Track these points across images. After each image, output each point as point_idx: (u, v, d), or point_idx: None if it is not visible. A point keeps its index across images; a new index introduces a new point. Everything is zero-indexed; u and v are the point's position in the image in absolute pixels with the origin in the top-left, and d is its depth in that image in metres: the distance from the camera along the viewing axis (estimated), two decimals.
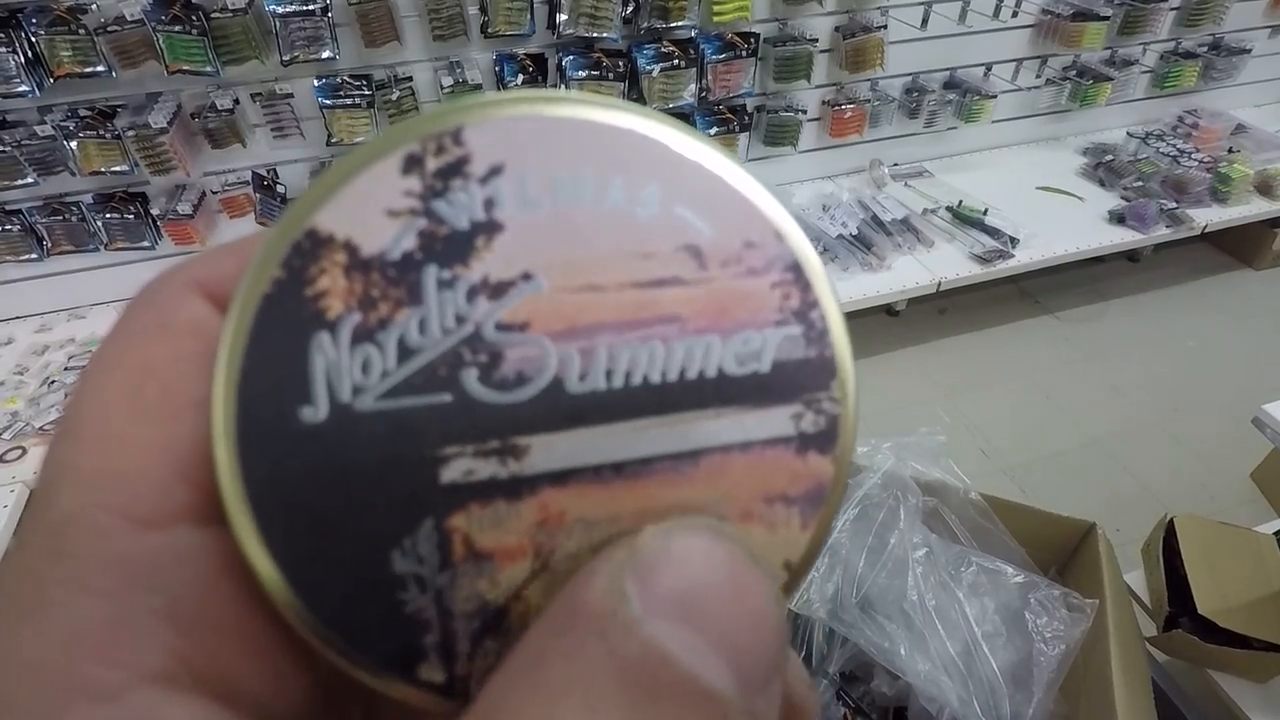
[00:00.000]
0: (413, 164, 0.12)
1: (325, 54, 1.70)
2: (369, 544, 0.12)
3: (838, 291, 0.13)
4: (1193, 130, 2.63)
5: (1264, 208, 2.35)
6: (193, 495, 0.11)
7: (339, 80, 1.78)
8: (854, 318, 2.17)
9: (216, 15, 1.60)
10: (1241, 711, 1.02)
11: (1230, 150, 2.52)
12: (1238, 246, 2.59)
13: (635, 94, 1.96)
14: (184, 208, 1.83)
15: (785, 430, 0.13)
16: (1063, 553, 1.12)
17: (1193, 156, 2.48)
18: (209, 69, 1.64)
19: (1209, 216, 2.30)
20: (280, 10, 1.62)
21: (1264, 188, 2.37)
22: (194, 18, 1.58)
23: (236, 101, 1.76)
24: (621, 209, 0.12)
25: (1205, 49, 2.60)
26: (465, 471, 0.12)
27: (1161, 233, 2.25)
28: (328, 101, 1.77)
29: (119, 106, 1.70)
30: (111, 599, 0.10)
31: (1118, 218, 2.27)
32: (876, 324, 2.33)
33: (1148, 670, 0.99)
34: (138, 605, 0.11)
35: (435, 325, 0.12)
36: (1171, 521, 1.14)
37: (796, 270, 0.13)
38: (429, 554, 0.12)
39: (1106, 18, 2.28)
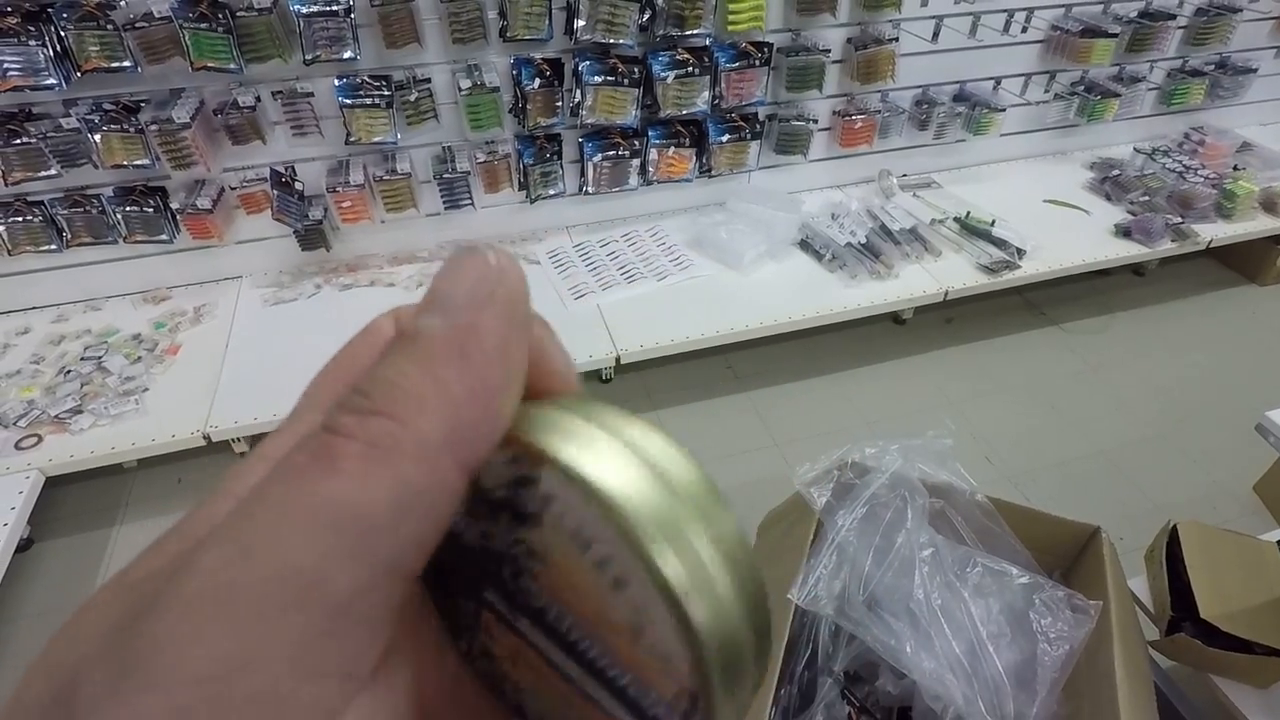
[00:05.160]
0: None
1: (347, 54, 1.72)
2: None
3: None
4: (1199, 147, 2.65)
5: (1269, 224, 2.37)
6: None
7: (359, 80, 1.81)
8: (861, 325, 2.19)
9: (242, 14, 1.63)
10: (1243, 716, 1.03)
11: (1236, 167, 2.54)
12: (1242, 262, 2.61)
13: (649, 99, 1.99)
14: (203, 202, 1.86)
15: None
16: (1067, 556, 1.13)
17: (1199, 173, 2.50)
18: (233, 66, 1.66)
19: (1214, 232, 2.32)
20: (304, 10, 1.65)
21: (1269, 205, 2.39)
22: (220, 16, 1.61)
23: (258, 99, 1.79)
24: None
25: (1212, 67, 2.63)
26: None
27: (1166, 247, 2.27)
28: (347, 101, 1.80)
29: (143, 101, 1.73)
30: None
31: (1124, 231, 2.29)
32: (883, 332, 2.34)
33: (1150, 673, 1.00)
34: None
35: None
36: (1175, 527, 1.16)
37: (694, 700, 0.14)
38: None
39: (1115, 35, 2.30)
